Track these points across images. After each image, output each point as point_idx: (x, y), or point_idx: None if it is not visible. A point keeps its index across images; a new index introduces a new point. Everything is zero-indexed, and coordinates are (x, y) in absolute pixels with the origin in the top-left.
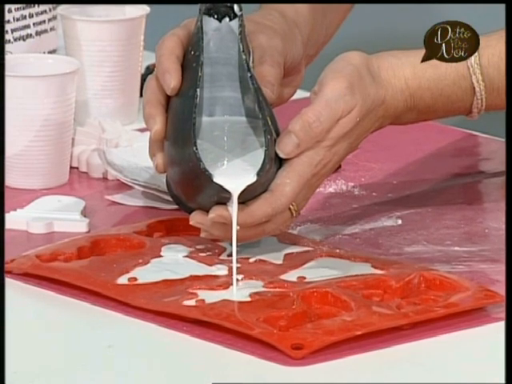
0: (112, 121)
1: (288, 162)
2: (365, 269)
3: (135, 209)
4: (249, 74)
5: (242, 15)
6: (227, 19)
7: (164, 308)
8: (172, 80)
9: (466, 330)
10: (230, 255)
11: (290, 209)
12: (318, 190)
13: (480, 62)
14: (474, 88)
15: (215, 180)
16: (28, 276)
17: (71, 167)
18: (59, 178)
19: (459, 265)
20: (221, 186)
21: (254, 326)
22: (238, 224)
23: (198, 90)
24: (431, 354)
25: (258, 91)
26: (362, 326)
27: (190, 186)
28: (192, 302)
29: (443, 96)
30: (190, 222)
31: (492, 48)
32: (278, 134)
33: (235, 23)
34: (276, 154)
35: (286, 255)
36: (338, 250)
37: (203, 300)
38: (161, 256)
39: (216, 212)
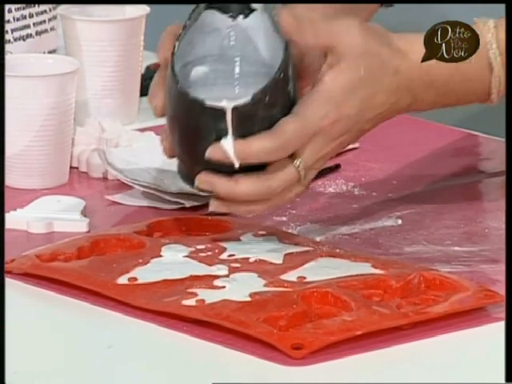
0: (112, 121)
1: (294, 110)
2: (365, 269)
3: (135, 209)
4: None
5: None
6: (242, 16)
7: (164, 308)
8: (156, 103)
9: (466, 330)
10: (231, 255)
11: (294, 166)
12: (318, 189)
13: (497, 36)
14: (491, 63)
15: (207, 103)
16: (28, 276)
17: (71, 167)
18: (59, 177)
19: (459, 265)
20: (213, 108)
21: (254, 326)
22: (236, 158)
23: (177, 42)
24: (431, 354)
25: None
26: (362, 325)
27: (189, 132)
28: (192, 302)
29: (460, 71)
30: (197, 183)
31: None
32: (293, 101)
33: (254, 18)
34: (281, 97)
35: (285, 255)
36: (338, 250)
37: (203, 300)
38: (161, 256)
39: (211, 149)
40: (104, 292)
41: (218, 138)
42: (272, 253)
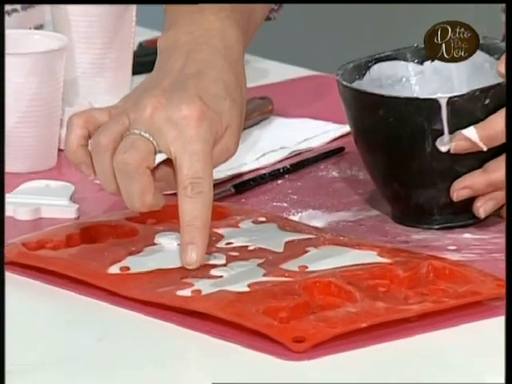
0: (103, 101)
1: None
2: (370, 257)
3: None
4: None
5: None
6: (429, 61)
7: (158, 299)
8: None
9: (477, 322)
10: (228, 243)
11: None
12: (320, 173)
13: None
14: None
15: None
16: (14, 265)
17: (59, 150)
18: (47, 161)
19: (470, 253)
20: (427, 103)
21: (252, 318)
22: (483, 143)
23: None
24: (440, 348)
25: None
26: (367, 317)
27: (402, 147)
28: (187, 293)
29: None
30: (455, 196)
31: None
32: None
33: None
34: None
35: (286, 243)
36: (341, 238)
37: (199, 290)
38: (154, 244)
39: (455, 142)
40: (94, 282)
41: (433, 143)
42: (272, 241)
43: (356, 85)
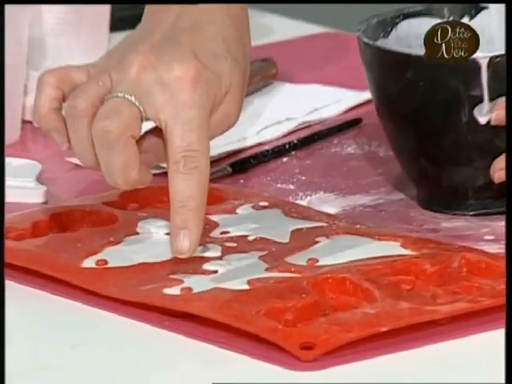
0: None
1: None
2: (392, 249)
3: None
4: None
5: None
6: (467, 18)
7: (141, 298)
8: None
9: None
10: (224, 232)
11: None
12: (333, 150)
13: None
14: None
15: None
16: None
17: (23, 121)
18: (8, 134)
19: None
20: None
21: (253, 321)
22: None
23: None
24: (474, 356)
25: None
26: (387, 320)
27: (435, 117)
28: (176, 291)
29: None
30: (496, 177)
31: None
32: None
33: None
34: None
35: (293, 232)
36: (358, 226)
37: (190, 288)
38: (137, 233)
39: (496, 112)
40: (66, 278)
41: (470, 113)
42: (276, 229)
43: (380, 43)
